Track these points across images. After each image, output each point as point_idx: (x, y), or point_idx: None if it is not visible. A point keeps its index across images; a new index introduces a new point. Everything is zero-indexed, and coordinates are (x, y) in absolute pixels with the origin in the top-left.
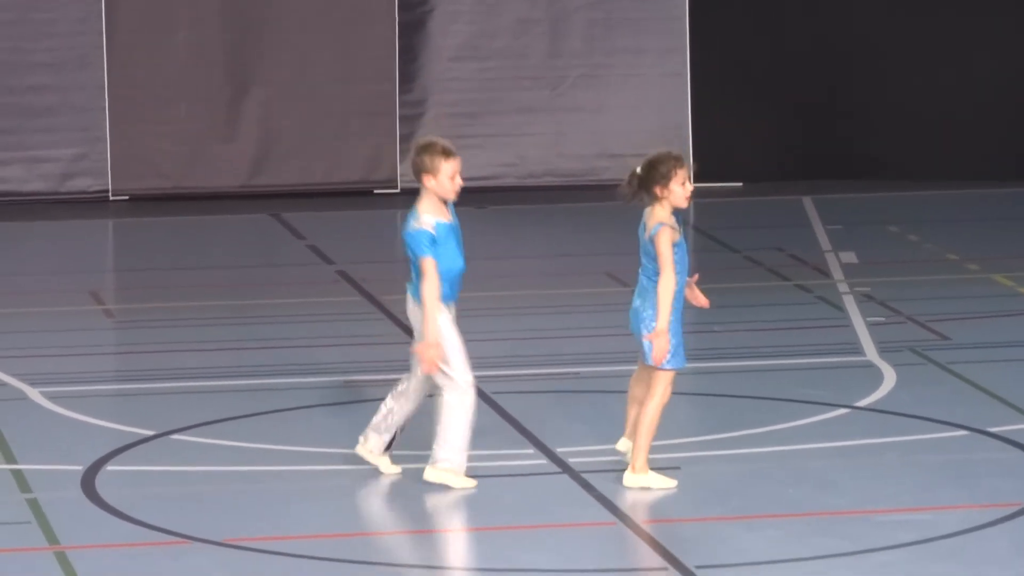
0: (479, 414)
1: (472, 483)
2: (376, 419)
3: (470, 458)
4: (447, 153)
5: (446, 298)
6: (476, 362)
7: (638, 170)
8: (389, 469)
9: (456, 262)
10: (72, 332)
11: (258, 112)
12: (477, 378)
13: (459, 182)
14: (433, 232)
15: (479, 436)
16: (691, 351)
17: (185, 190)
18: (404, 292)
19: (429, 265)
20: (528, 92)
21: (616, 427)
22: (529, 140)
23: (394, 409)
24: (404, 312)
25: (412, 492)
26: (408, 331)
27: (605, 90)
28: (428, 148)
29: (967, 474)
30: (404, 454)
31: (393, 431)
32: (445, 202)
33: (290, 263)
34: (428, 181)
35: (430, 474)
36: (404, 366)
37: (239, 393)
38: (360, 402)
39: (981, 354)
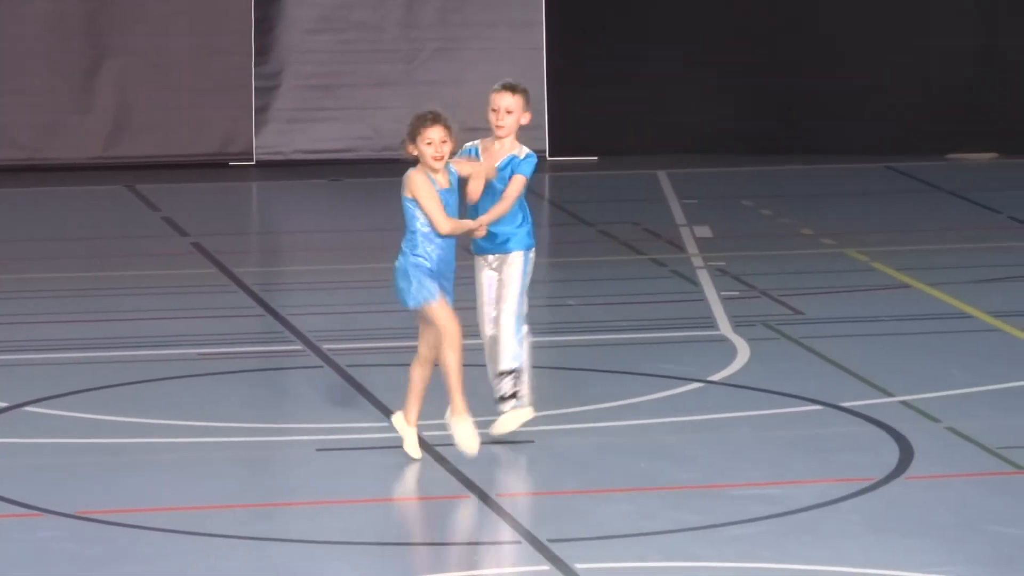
0: (333, 389)
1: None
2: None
3: (317, 431)
4: (424, 120)
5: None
6: (339, 335)
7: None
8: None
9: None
10: None
11: (115, 83)
12: (335, 351)
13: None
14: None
15: (333, 409)
16: (544, 324)
17: (40, 161)
18: (258, 265)
19: None
20: (384, 65)
21: (474, 399)
22: (385, 113)
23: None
24: (258, 284)
25: (266, 465)
26: (261, 303)
27: (461, 63)
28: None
29: (820, 448)
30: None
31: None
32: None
33: (145, 235)
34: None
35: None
36: (256, 338)
37: (93, 365)
38: (213, 375)
39: (834, 328)
